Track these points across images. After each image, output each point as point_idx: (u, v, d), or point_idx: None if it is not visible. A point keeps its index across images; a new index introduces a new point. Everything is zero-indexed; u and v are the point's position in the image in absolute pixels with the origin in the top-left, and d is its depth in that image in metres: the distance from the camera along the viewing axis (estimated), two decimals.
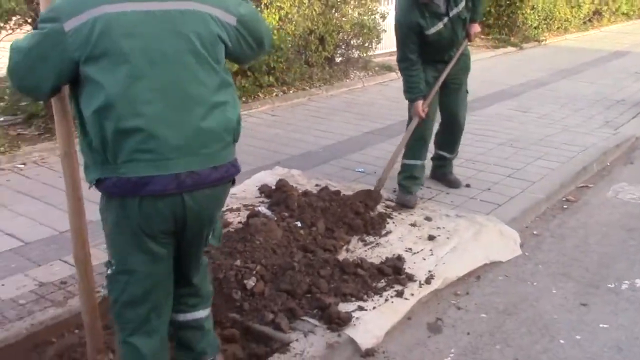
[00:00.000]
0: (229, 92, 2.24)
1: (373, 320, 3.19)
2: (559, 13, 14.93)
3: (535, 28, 14.12)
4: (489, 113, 7.69)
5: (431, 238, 4.13)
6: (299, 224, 3.97)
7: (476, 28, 4.84)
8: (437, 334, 3.24)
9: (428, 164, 5.05)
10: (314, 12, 8.62)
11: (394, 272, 3.62)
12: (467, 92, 5.01)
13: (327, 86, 8.84)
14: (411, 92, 4.60)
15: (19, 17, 5.74)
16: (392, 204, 4.70)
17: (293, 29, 8.40)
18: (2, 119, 6.19)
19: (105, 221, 2.27)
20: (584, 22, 16.70)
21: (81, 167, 2.36)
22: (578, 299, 3.60)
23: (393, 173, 4.86)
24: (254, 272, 3.38)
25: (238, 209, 4.36)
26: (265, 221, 3.86)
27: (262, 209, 4.21)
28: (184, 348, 2.64)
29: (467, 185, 5.14)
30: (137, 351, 2.37)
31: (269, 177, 5.01)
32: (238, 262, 3.44)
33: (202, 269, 2.59)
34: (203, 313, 2.62)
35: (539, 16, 14.12)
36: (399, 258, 3.78)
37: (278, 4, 8.19)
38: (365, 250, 3.93)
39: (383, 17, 9.62)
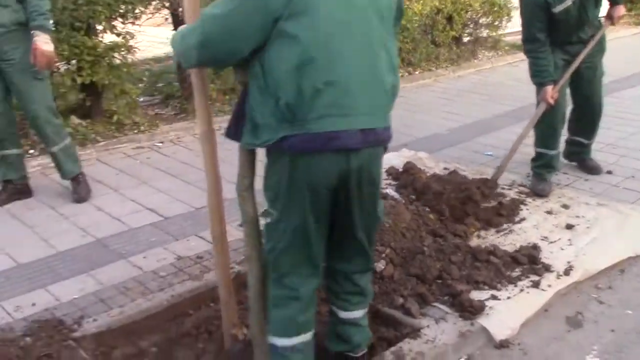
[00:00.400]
0: (397, 60, 2.31)
1: (508, 310, 3.06)
2: None
3: None
4: (630, 95, 7.16)
5: (569, 227, 3.90)
6: (427, 209, 3.89)
7: (620, 11, 4.47)
8: (577, 329, 3.06)
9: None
10: None
11: (529, 262, 3.46)
12: (602, 73, 4.65)
13: (454, 67, 8.61)
14: (540, 76, 4.32)
15: (158, 1, 6.00)
16: (526, 189, 4.50)
17: (420, 8, 8.22)
18: (141, 99, 6.52)
19: (272, 177, 2.30)
20: None
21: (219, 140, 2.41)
22: None
23: (522, 157, 4.64)
24: (383, 255, 3.34)
25: None
26: (393, 204, 3.81)
27: (390, 191, 4.16)
28: (341, 340, 2.68)
29: (609, 172, 4.82)
30: (291, 290, 2.42)
31: (396, 160, 4.94)
32: None
33: (369, 274, 2.64)
34: (362, 312, 2.65)
35: None
36: (535, 247, 3.60)
37: None
38: (498, 237, 3.78)
39: None
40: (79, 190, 4.43)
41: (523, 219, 4.03)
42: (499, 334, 2.93)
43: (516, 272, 3.39)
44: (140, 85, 6.95)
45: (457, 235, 3.69)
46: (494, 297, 3.15)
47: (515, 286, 3.26)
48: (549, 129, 4.52)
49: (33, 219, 4.11)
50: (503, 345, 2.91)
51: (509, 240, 3.73)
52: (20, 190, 4.38)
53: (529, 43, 4.30)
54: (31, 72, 4.05)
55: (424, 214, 3.79)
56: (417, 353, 2.73)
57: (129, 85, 5.81)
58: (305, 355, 2.51)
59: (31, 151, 5.12)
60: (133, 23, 5.65)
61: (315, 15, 2.06)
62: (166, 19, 6.55)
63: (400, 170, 4.61)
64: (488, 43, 9.49)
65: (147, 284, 3.33)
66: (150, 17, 6.10)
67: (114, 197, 4.50)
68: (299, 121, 2.12)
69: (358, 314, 2.63)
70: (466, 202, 4.03)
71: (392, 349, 2.76)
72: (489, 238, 3.77)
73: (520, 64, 9.06)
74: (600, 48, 4.53)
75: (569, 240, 3.74)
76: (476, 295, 3.14)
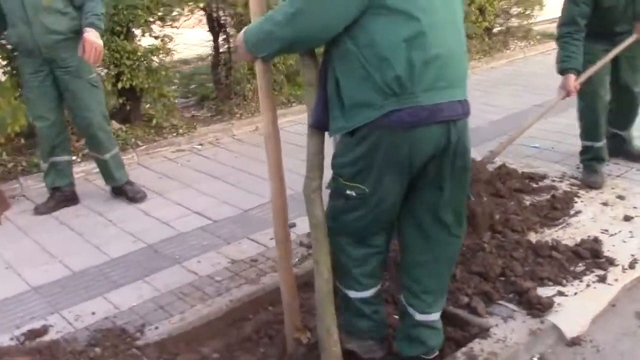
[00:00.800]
0: None
1: (576, 306, 2.98)
2: None
3: None
4: None
5: (628, 219, 3.80)
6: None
7: None
8: None
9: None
10: None
11: (592, 256, 3.37)
12: None
13: (487, 58, 8.49)
14: (566, 62, 4.12)
15: (193, 3, 5.97)
16: (577, 182, 4.39)
17: None
18: (176, 101, 6.51)
19: (361, 153, 2.25)
20: None
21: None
22: None
23: (569, 149, 4.53)
24: None
25: None
26: None
27: None
28: (415, 342, 2.64)
29: None
30: (376, 247, 2.52)
31: None
32: None
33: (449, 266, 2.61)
34: (438, 315, 2.62)
35: None
36: (596, 240, 3.51)
37: None
38: (556, 231, 3.69)
39: None
40: (134, 190, 4.47)
41: (579, 212, 3.93)
42: (570, 331, 2.85)
43: (580, 267, 3.30)
44: (173, 87, 6.96)
45: (515, 230, 3.61)
46: (560, 294, 3.06)
47: (581, 281, 3.18)
48: (592, 121, 4.41)
49: (82, 225, 4.11)
50: (575, 342, 2.83)
51: (568, 234, 3.64)
52: (68, 197, 4.39)
53: (566, 26, 4.15)
54: (88, 79, 4.08)
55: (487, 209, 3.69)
56: (490, 353, 2.66)
57: (167, 88, 5.80)
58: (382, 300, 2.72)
59: (74, 158, 5.12)
60: (171, 26, 5.64)
61: None
62: (200, 20, 6.53)
63: None
64: (519, 33, 9.33)
65: (204, 289, 3.29)
66: (188, 19, 6.07)
67: (159, 201, 4.48)
68: (407, 94, 2.11)
69: (435, 316, 2.58)
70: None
71: (463, 349, 2.69)
72: (546, 232, 3.68)
73: (553, 52, 8.84)
74: None
75: (630, 232, 3.64)
76: (542, 291, 3.06)
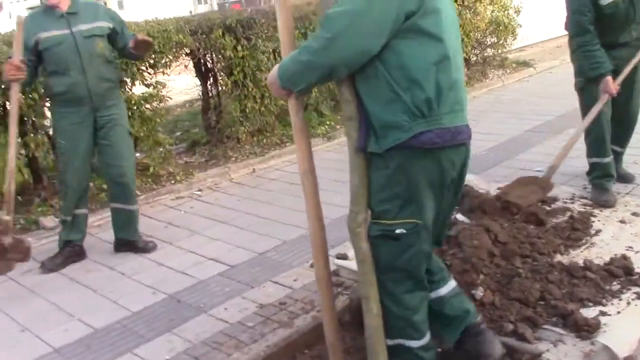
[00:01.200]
0: None
1: (622, 325, 2.94)
2: None
3: None
4: None
5: None
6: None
7: None
8: None
9: None
10: None
11: (624, 273, 3.34)
12: None
13: (468, 88, 8.59)
14: (599, 68, 4.18)
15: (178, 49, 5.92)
16: (589, 202, 4.41)
17: None
18: (167, 147, 6.40)
19: (396, 182, 2.27)
20: None
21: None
22: None
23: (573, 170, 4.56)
24: (478, 281, 3.22)
25: None
26: (472, 228, 3.70)
27: (460, 216, 4.05)
28: (457, 318, 2.63)
29: None
30: (426, 290, 2.51)
31: None
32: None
33: None
34: (454, 282, 2.72)
35: None
36: (625, 258, 3.50)
37: None
38: (582, 251, 3.67)
39: (517, 11, 9.26)
40: (145, 241, 4.39)
41: (599, 231, 3.93)
42: (622, 351, 2.80)
43: (615, 286, 3.27)
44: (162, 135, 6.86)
45: (542, 253, 3.58)
46: (603, 313, 3.02)
47: (621, 300, 3.15)
48: (597, 137, 4.46)
49: (95, 281, 3.96)
50: None
51: (594, 254, 3.62)
52: (77, 252, 4.25)
53: (580, 37, 4.21)
54: (126, 128, 4.15)
55: (511, 233, 3.67)
56: None
57: (162, 136, 5.71)
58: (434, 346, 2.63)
59: None
60: (163, 72, 5.58)
61: (441, 14, 2.17)
62: (186, 66, 6.50)
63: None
64: (495, 62, 9.52)
65: (237, 336, 3.18)
66: (178, 66, 6.02)
67: (170, 250, 4.36)
68: (434, 116, 2.18)
69: (453, 282, 2.68)
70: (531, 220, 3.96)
71: None
72: (572, 253, 3.67)
73: (529, 79, 9.10)
74: None
75: None
76: (585, 312, 3.02)
